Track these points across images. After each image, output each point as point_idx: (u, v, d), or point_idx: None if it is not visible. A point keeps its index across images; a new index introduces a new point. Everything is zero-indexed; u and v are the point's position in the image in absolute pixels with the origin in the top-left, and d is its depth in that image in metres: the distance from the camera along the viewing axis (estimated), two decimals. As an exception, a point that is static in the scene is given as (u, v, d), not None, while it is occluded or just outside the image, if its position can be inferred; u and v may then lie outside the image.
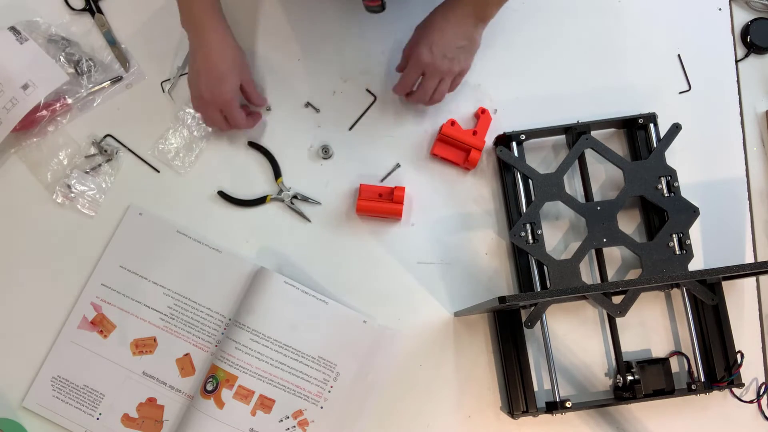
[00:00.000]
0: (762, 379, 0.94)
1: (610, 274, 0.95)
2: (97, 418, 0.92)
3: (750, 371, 0.93)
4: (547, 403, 0.90)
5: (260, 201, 0.97)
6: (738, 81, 1.00)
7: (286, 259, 0.96)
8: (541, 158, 0.98)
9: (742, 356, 0.90)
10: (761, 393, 0.93)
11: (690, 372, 0.92)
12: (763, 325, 0.95)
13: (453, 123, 0.95)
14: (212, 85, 0.89)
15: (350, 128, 0.98)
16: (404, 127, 0.99)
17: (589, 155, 0.96)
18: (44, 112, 0.96)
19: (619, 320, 0.92)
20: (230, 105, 0.91)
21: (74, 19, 1.00)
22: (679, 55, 1.01)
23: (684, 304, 0.92)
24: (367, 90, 0.99)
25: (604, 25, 1.01)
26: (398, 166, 0.95)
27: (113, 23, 1.01)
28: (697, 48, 1.01)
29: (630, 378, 0.89)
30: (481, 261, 0.96)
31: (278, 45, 1.00)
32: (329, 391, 0.92)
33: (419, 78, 0.91)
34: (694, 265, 0.93)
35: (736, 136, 0.99)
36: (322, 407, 0.91)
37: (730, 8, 1.02)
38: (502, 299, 0.74)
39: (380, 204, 0.94)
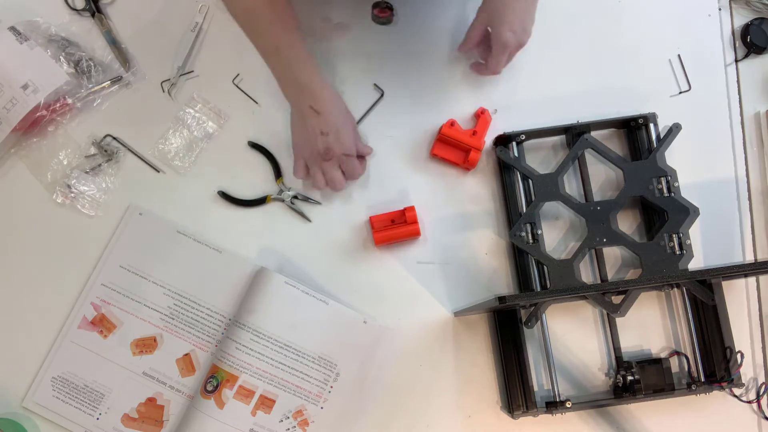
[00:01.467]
0: (762, 379, 0.94)
1: (610, 274, 0.95)
2: (97, 418, 0.92)
3: (750, 371, 0.93)
4: (547, 402, 0.90)
5: (260, 201, 0.97)
6: (738, 81, 1.00)
7: (287, 259, 0.96)
8: (541, 158, 0.98)
9: (742, 356, 0.90)
10: (761, 393, 0.93)
11: (690, 372, 0.92)
12: (763, 325, 0.95)
13: (452, 123, 0.95)
14: (341, 139, 0.91)
15: (358, 122, 0.98)
16: (403, 128, 0.99)
17: (589, 155, 0.96)
18: (44, 112, 0.96)
19: (618, 320, 0.92)
20: (352, 154, 0.93)
21: (74, 19, 1.00)
22: (678, 55, 1.01)
23: (684, 304, 0.92)
24: (375, 85, 0.99)
25: (603, 25, 1.01)
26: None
27: (113, 23, 1.01)
28: (697, 48, 1.01)
29: (630, 378, 0.89)
30: (481, 261, 0.96)
31: (278, 45, 1.00)
32: (329, 391, 0.92)
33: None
34: (694, 265, 0.93)
35: (736, 136, 0.99)
36: (322, 407, 0.91)
37: (730, 8, 1.02)
38: (501, 299, 0.74)
39: (397, 230, 0.93)
